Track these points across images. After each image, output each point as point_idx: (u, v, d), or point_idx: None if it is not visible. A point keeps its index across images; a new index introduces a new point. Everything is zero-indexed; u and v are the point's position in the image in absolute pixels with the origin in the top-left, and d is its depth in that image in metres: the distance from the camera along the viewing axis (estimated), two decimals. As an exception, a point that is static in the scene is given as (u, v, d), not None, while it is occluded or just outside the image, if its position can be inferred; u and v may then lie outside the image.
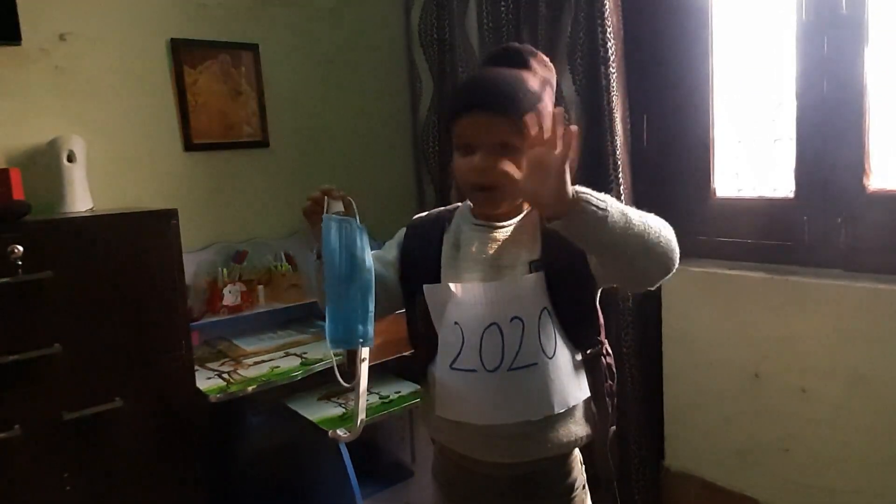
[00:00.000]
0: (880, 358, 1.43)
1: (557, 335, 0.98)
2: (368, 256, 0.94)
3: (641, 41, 1.85)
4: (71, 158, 1.71)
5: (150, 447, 1.56)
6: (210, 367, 1.85)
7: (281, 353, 1.93)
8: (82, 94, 1.85)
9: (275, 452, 2.00)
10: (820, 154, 1.58)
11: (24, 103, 1.76)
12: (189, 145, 2.04)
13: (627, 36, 1.79)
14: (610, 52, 1.74)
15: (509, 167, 0.95)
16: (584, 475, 1.11)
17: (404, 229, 1.14)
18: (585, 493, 1.10)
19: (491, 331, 0.97)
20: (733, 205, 1.81)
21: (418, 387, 1.13)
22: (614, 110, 1.76)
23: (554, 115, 0.84)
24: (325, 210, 0.96)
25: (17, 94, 1.75)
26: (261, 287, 2.10)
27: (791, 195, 1.66)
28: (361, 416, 0.98)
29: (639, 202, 1.80)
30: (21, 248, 1.36)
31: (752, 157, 1.80)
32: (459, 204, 1.13)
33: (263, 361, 1.87)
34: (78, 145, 1.74)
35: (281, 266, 2.15)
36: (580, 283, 1.00)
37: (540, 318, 0.97)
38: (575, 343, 1.01)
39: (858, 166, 1.52)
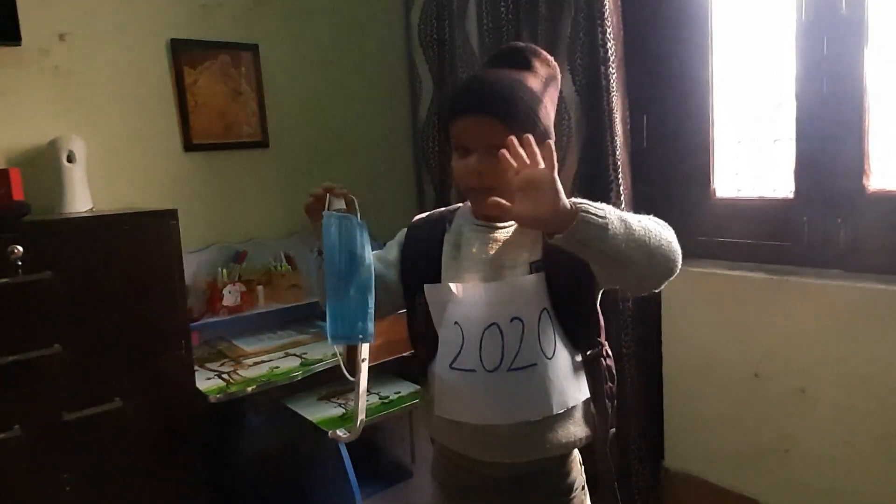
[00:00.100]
0: (880, 358, 1.43)
1: (557, 336, 0.98)
2: (369, 253, 0.94)
3: (641, 41, 1.85)
4: (71, 159, 1.71)
5: (149, 447, 1.56)
6: (210, 367, 1.85)
7: (281, 354, 1.93)
8: (82, 94, 1.85)
9: (275, 453, 2.00)
10: (820, 154, 1.58)
11: (24, 104, 1.76)
12: (189, 145, 2.04)
13: (627, 36, 1.79)
14: (610, 52, 1.74)
15: (497, 206, 0.92)
16: (584, 476, 1.11)
17: (405, 230, 1.14)
18: (585, 494, 1.10)
19: (491, 331, 0.97)
20: (733, 205, 1.81)
21: (418, 387, 1.13)
22: (614, 110, 1.76)
23: (525, 141, 0.85)
24: (326, 207, 0.96)
25: (17, 95, 1.75)
26: (260, 287, 2.10)
27: (791, 195, 1.66)
28: (361, 416, 0.98)
29: (639, 202, 1.80)
30: (21, 249, 1.36)
31: (751, 157, 1.80)
32: (461, 204, 1.13)
33: (263, 362, 1.87)
34: (78, 145, 1.74)
35: (281, 266, 2.15)
36: (581, 284, 1.00)
37: (540, 318, 0.97)
38: (575, 344, 1.01)
39: (858, 167, 1.52)
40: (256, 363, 1.86)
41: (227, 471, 1.95)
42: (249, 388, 1.69)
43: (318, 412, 1.84)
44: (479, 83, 1.03)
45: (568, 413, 1.00)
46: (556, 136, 1.03)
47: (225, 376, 1.77)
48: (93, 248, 1.48)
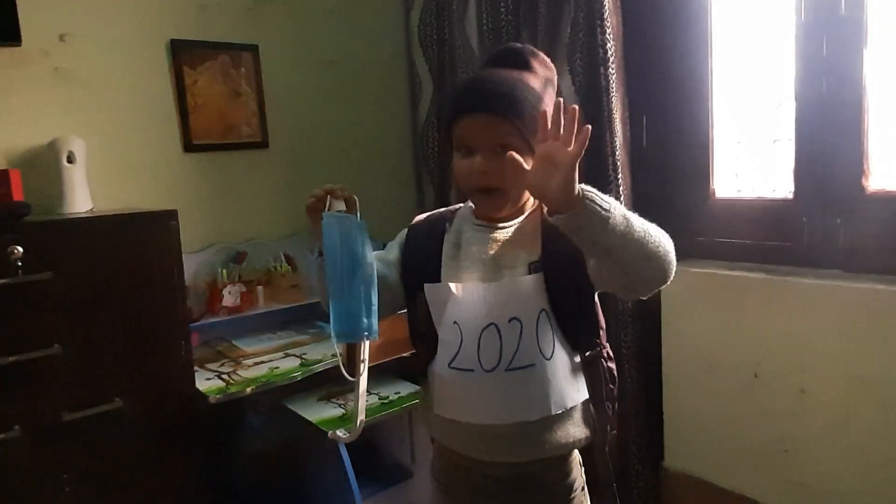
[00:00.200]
0: (880, 358, 1.43)
1: (556, 337, 0.98)
2: (370, 251, 0.95)
3: (641, 41, 1.85)
4: (71, 159, 1.72)
5: (149, 448, 1.56)
6: (209, 367, 1.85)
7: (280, 354, 1.93)
8: (82, 94, 1.85)
9: (275, 453, 2.00)
10: (819, 155, 1.58)
11: (24, 104, 1.76)
12: (189, 146, 2.04)
13: (627, 36, 1.79)
14: (609, 52, 1.74)
15: (519, 161, 0.93)
16: (584, 477, 1.11)
17: (406, 230, 1.14)
18: (584, 495, 1.10)
19: (489, 331, 0.97)
20: (733, 205, 1.81)
21: (418, 388, 1.13)
22: (614, 111, 1.76)
23: (571, 112, 0.84)
24: (326, 208, 0.96)
25: (17, 95, 1.75)
26: (260, 288, 2.11)
27: (790, 196, 1.66)
28: (361, 416, 0.98)
29: (638, 202, 1.80)
30: (21, 249, 1.37)
31: (751, 157, 1.80)
32: (461, 205, 1.13)
33: (263, 362, 1.87)
34: (78, 146, 1.74)
35: (280, 267, 2.15)
36: (579, 285, 1.00)
37: (538, 319, 0.97)
38: (573, 345, 1.01)
39: (857, 167, 1.52)
40: (256, 364, 1.86)
41: (226, 471, 1.95)
42: (249, 389, 1.69)
43: (317, 412, 1.84)
44: (483, 83, 1.02)
45: (567, 414, 1.00)
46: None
47: (225, 377, 1.77)
48: (93, 248, 1.49)
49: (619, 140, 1.77)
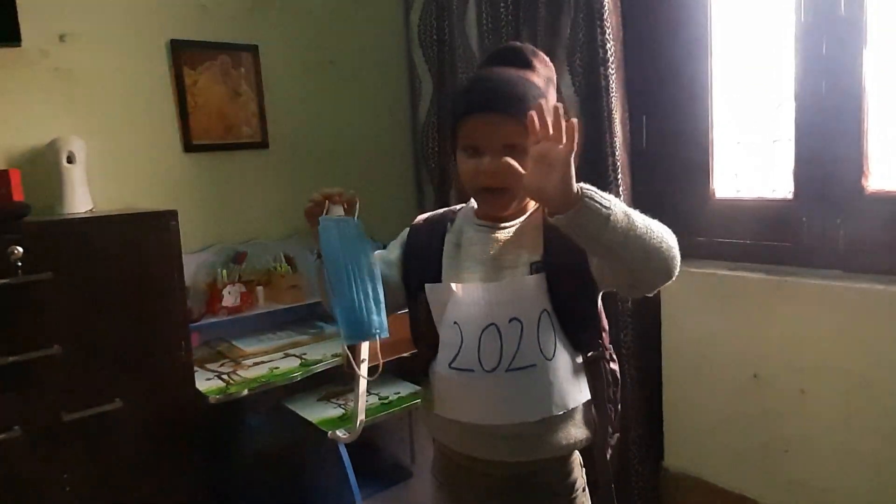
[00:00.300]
0: (879, 358, 1.43)
1: (557, 337, 0.98)
2: (370, 250, 0.95)
3: (641, 42, 1.85)
4: (71, 159, 1.71)
5: (149, 448, 1.56)
6: (209, 367, 1.85)
7: (280, 354, 1.93)
8: (82, 94, 1.85)
9: (274, 453, 2.00)
10: (819, 155, 1.58)
11: (24, 104, 1.76)
12: (189, 146, 2.04)
13: (627, 37, 1.79)
14: (609, 52, 1.74)
15: (517, 167, 0.93)
16: (585, 478, 1.11)
17: (407, 230, 1.14)
18: (585, 496, 1.10)
19: (489, 331, 0.97)
20: (732, 205, 1.81)
21: (418, 388, 1.13)
22: (614, 111, 1.76)
23: (555, 110, 0.84)
24: (324, 212, 0.96)
25: (17, 96, 1.75)
26: (260, 288, 2.11)
27: (790, 196, 1.66)
28: (361, 416, 0.99)
29: (638, 202, 1.79)
30: (21, 249, 1.36)
31: (751, 157, 1.80)
32: (463, 204, 1.13)
33: (263, 362, 1.87)
34: (78, 146, 1.74)
35: (280, 267, 2.15)
36: (581, 285, 0.99)
37: (539, 319, 0.97)
38: (575, 346, 1.01)
39: (857, 167, 1.52)
40: (256, 364, 1.86)
41: (226, 471, 1.95)
42: (249, 389, 1.69)
43: (317, 413, 1.84)
44: (488, 82, 1.01)
45: (568, 414, 1.00)
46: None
47: (224, 377, 1.77)
48: (93, 248, 1.48)
49: (618, 140, 1.77)
